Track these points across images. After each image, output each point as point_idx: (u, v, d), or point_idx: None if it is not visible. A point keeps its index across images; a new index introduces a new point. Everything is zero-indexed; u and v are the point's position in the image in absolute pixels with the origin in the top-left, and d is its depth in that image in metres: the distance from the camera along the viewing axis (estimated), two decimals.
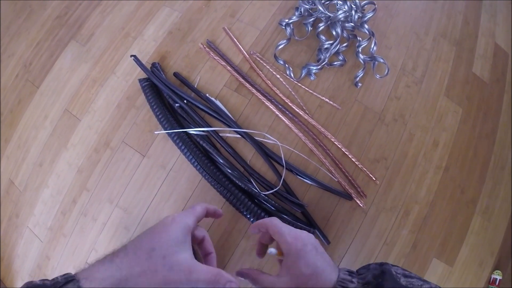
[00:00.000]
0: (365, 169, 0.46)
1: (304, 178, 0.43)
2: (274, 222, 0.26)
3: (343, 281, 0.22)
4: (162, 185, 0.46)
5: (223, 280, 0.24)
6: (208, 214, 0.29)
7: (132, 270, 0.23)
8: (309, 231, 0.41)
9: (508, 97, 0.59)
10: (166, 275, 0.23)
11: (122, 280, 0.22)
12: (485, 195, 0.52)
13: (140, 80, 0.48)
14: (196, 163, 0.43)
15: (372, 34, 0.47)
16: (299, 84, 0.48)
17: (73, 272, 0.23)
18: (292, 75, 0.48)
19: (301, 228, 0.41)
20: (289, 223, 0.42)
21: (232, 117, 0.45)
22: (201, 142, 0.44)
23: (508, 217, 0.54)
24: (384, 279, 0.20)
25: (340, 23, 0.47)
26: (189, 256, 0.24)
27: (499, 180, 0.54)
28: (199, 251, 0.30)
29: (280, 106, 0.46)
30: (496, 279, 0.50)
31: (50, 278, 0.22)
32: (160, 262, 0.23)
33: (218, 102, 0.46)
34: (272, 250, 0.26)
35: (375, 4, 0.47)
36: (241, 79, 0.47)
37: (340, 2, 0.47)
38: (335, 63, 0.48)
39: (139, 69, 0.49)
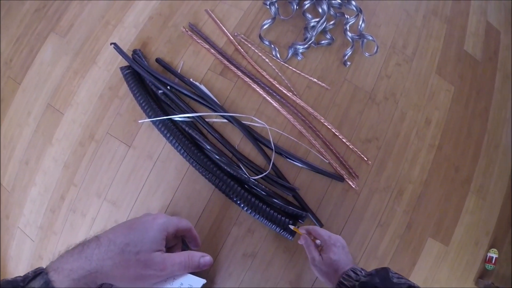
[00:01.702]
0: (356, 150, 0.45)
1: (294, 161, 0.42)
2: (315, 228, 0.37)
3: (354, 269, 0.31)
4: (150, 175, 0.45)
5: (196, 257, 0.26)
6: (190, 235, 0.30)
7: (103, 262, 0.22)
8: (301, 215, 0.41)
9: (500, 76, 0.58)
10: (139, 270, 0.23)
11: (91, 272, 0.22)
12: (479, 174, 0.52)
13: (121, 68, 0.46)
14: (183, 151, 0.42)
15: (359, 10, 0.45)
16: (286, 65, 0.47)
17: (44, 266, 0.22)
18: (278, 55, 0.46)
19: (293, 212, 0.41)
20: (280, 207, 0.41)
21: (218, 102, 0.44)
22: (187, 129, 0.43)
23: (503, 196, 0.53)
24: (381, 272, 0.29)
25: (326, 0, 0.45)
26: (161, 253, 0.25)
27: (493, 158, 0.53)
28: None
29: (267, 88, 0.45)
30: (492, 257, 0.50)
31: None
32: (133, 258, 0.23)
33: (202, 87, 0.44)
34: (318, 241, 0.36)
35: None
36: (226, 62, 0.45)
37: None
38: (323, 42, 0.47)
39: (121, 57, 0.47)
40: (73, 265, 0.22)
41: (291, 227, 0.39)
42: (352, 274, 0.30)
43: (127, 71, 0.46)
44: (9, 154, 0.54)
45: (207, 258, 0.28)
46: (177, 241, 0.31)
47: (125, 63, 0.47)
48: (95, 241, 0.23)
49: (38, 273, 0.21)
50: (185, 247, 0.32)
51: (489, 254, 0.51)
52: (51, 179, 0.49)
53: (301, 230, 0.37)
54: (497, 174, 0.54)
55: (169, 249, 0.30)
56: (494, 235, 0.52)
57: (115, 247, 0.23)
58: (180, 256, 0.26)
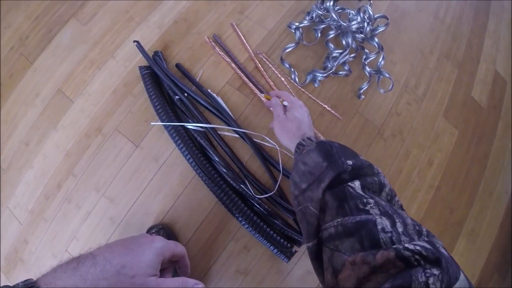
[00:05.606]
0: None
1: None
2: (283, 92, 0.40)
3: (310, 137, 0.32)
4: (153, 178, 0.44)
5: (189, 284, 0.26)
6: (182, 261, 0.30)
7: (97, 283, 0.22)
8: (300, 240, 0.41)
9: (503, 124, 0.60)
10: None
11: None
12: (472, 218, 0.53)
13: (140, 68, 0.46)
14: (190, 159, 0.42)
15: (381, 48, 0.47)
16: (303, 90, 0.48)
17: (34, 278, 0.22)
18: (297, 79, 0.47)
19: (292, 235, 0.41)
20: (280, 229, 0.41)
21: (232, 116, 0.44)
22: (198, 138, 0.43)
23: (492, 242, 0.55)
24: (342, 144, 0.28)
25: (351, 33, 0.46)
26: (156, 278, 0.25)
27: (487, 205, 0.55)
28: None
29: None
30: None
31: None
32: (128, 281, 0.23)
33: (219, 99, 0.45)
34: (285, 102, 0.38)
35: (388, 19, 0.47)
36: (244, 78, 0.46)
37: (353, 13, 0.47)
38: (341, 72, 0.48)
39: (140, 55, 0.47)
40: (67, 282, 0.21)
41: (262, 95, 0.42)
42: (313, 138, 0.31)
43: (145, 71, 0.46)
44: (10, 132, 0.52)
45: (200, 286, 0.27)
46: (170, 264, 0.31)
47: (144, 62, 0.47)
48: (90, 259, 0.23)
49: (29, 286, 0.20)
50: (175, 273, 0.32)
51: None
52: (50, 165, 0.48)
53: (270, 95, 0.40)
54: (489, 220, 0.55)
55: (160, 271, 0.30)
56: (479, 278, 0.54)
57: (111, 267, 0.22)
58: (174, 282, 0.25)
